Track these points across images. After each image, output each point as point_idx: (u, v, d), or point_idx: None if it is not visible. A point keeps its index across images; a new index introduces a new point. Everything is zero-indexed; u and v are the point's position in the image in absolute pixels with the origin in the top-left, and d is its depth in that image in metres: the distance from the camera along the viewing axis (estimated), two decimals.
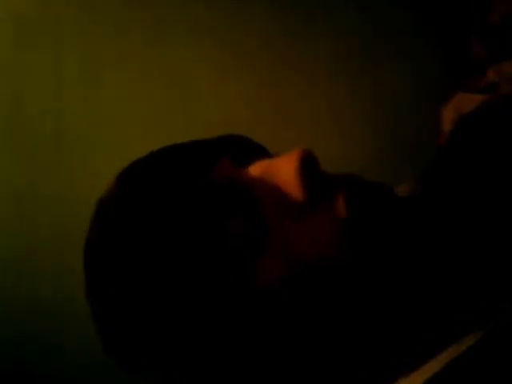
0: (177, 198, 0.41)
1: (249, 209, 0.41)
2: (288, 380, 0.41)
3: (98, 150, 0.97)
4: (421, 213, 0.50)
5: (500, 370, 0.36)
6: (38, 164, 0.95)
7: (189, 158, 0.43)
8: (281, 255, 0.39)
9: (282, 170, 0.42)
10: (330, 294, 0.40)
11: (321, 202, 0.41)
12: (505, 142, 0.52)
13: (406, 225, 0.43)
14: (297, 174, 0.41)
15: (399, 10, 1.10)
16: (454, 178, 0.53)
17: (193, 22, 1.03)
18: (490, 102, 0.65)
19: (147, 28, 1.01)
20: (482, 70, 0.80)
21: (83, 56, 0.98)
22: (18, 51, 0.96)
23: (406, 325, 0.43)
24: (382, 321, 0.42)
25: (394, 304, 0.42)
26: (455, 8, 1.04)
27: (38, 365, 0.93)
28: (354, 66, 1.10)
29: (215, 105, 1.02)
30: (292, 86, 1.07)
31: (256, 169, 0.43)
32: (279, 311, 0.39)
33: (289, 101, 1.07)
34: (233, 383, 0.41)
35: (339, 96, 1.09)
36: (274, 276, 0.39)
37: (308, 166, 0.41)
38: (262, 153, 0.47)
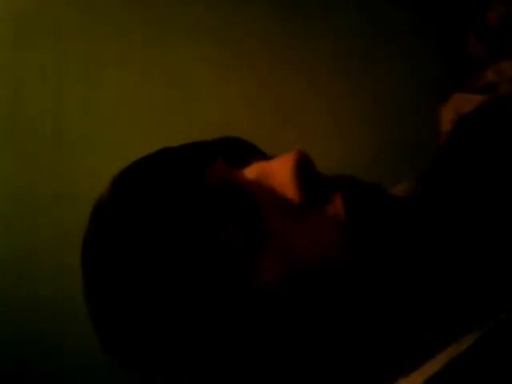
0: (172, 199, 0.41)
1: (248, 209, 0.41)
2: (288, 380, 0.41)
3: (98, 149, 0.97)
4: (420, 213, 0.50)
5: (500, 370, 0.36)
6: (38, 164, 0.95)
7: (184, 160, 0.43)
8: (280, 255, 0.40)
9: (277, 172, 0.42)
10: (330, 293, 0.40)
11: (318, 202, 0.41)
12: (504, 142, 0.52)
13: (404, 225, 0.43)
14: (292, 175, 0.41)
15: (399, 9, 1.10)
16: (453, 178, 0.53)
17: (193, 22, 1.03)
18: (489, 102, 0.65)
19: (147, 28, 1.01)
20: (481, 70, 0.80)
21: (83, 56, 0.98)
22: (17, 51, 0.96)
23: (405, 325, 0.43)
24: (382, 321, 0.42)
25: (394, 304, 0.42)
26: (455, 8, 1.04)
27: (37, 365, 0.93)
28: (353, 65, 1.10)
29: (215, 105, 1.02)
30: (292, 86, 1.07)
31: (252, 171, 0.43)
32: (279, 311, 0.39)
33: (289, 101, 1.07)
34: (233, 383, 0.41)
35: (339, 96, 1.09)
36: (274, 276, 0.39)
37: (304, 167, 0.41)
38: (257, 154, 0.47)
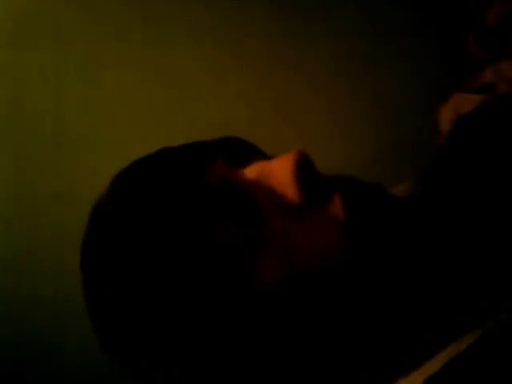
0: (172, 199, 0.41)
1: (248, 209, 0.41)
2: (288, 380, 0.41)
3: (98, 150, 0.97)
4: (420, 213, 0.50)
5: (499, 370, 0.36)
6: (38, 164, 0.95)
7: (184, 160, 0.43)
8: (280, 255, 0.40)
9: (277, 172, 0.42)
10: (330, 293, 0.40)
11: (318, 203, 0.41)
12: (503, 142, 0.52)
13: (404, 225, 0.43)
14: (292, 175, 0.41)
15: (399, 9, 1.10)
16: (453, 179, 0.53)
17: (193, 22, 1.03)
18: (488, 103, 0.65)
19: (147, 28, 1.01)
20: (481, 71, 0.80)
21: (83, 56, 0.98)
22: (17, 51, 0.96)
23: (405, 325, 0.43)
24: (382, 320, 0.42)
25: (394, 304, 0.42)
26: (455, 8, 1.04)
27: (38, 365, 0.93)
28: (353, 65, 1.10)
29: (215, 105, 1.02)
30: (292, 86, 1.07)
31: (252, 170, 0.43)
32: (279, 311, 0.39)
33: (289, 101, 1.07)
34: (233, 383, 0.41)
35: (339, 96, 1.09)
36: (274, 276, 0.39)
37: (303, 167, 0.41)
38: (257, 154, 0.47)
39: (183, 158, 0.44)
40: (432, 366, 0.38)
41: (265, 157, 0.47)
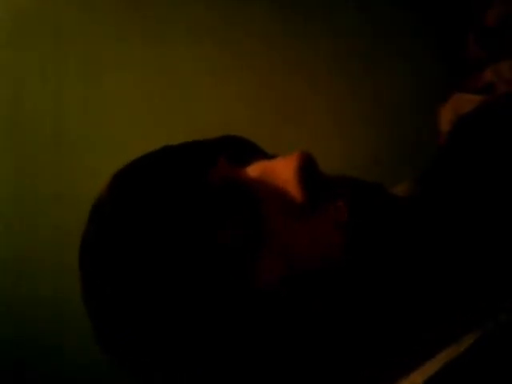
0: (172, 198, 0.41)
1: (248, 208, 0.41)
2: (288, 380, 0.41)
3: (98, 150, 0.97)
4: (420, 213, 0.50)
5: (499, 370, 0.36)
6: (38, 164, 0.95)
7: (185, 159, 0.43)
8: (281, 255, 0.40)
9: (281, 171, 0.42)
10: (330, 293, 0.40)
11: (320, 203, 0.41)
12: (503, 142, 0.52)
13: (404, 225, 0.43)
14: (296, 174, 0.41)
15: (399, 9, 1.10)
16: (453, 179, 0.53)
17: (193, 22, 1.03)
18: (487, 103, 0.65)
19: (147, 28, 1.01)
20: (480, 71, 0.80)
21: (83, 56, 0.98)
22: (17, 51, 0.96)
23: (405, 325, 0.43)
24: (382, 321, 0.42)
25: (394, 304, 0.42)
26: (455, 8, 1.04)
27: (38, 365, 0.93)
28: (353, 65, 1.10)
29: (215, 105, 1.02)
30: (292, 86, 1.07)
31: (254, 169, 0.43)
32: (279, 311, 0.39)
33: (289, 101, 1.07)
34: (233, 383, 0.41)
35: (339, 96, 1.09)
36: (274, 276, 0.39)
37: (307, 167, 0.41)
38: (258, 153, 0.47)
39: (184, 156, 0.44)
40: (432, 367, 0.38)
41: (266, 156, 0.47)
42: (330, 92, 1.09)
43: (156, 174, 0.42)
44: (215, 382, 0.41)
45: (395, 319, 0.42)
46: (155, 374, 0.42)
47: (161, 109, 1.01)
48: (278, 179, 0.42)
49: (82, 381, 0.92)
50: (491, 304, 0.42)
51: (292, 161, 0.42)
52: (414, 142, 1.05)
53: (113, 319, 0.42)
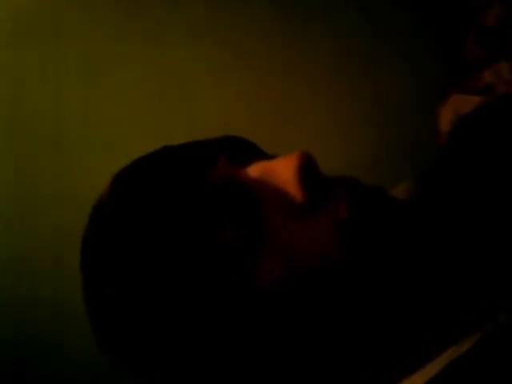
0: (172, 198, 0.41)
1: (248, 208, 0.41)
2: (288, 380, 0.41)
3: (98, 149, 0.97)
4: (420, 214, 0.50)
5: (500, 372, 0.36)
6: (38, 164, 0.95)
7: (185, 159, 0.43)
8: (281, 255, 0.40)
9: (281, 171, 0.42)
10: (330, 294, 0.40)
11: (320, 203, 0.41)
12: (503, 143, 0.52)
13: (404, 226, 0.43)
14: (296, 174, 0.41)
15: (399, 9, 1.10)
16: (452, 180, 0.53)
17: (193, 22, 1.03)
18: (486, 104, 0.65)
19: (147, 28, 1.01)
20: (479, 71, 0.80)
21: (83, 56, 0.98)
22: (17, 51, 0.96)
23: (405, 325, 0.43)
24: (382, 321, 0.42)
25: (394, 304, 0.42)
26: (455, 8, 1.04)
27: (38, 365, 0.93)
28: (353, 65, 1.10)
29: (215, 105, 1.02)
30: (292, 86, 1.07)
31: (254, 169, 0.43)
32: (279, 311, 0.39)
33: (289, 101, 1.07)
34: (233, 383, 0.41)
35: (339, 96, 1.09)
36: (274, 276, 0.39)
37: (307, 167, 0.41)
38: (258, 154, 0.47)
39: (184, 156, 0.44)
40: (433, 368, 0.38)
41: (266, 156, 0.47)
42: (329, 92, 1.09)
43: (156, 174, 0.42)
44: (215, 382, 0.41)
45: (395, 319, 0.42)
46: (155, 374, 0.42)
47: (161, 109, 1.01)
48: (278, 179, 0.42)
49: (82, 381, 0.92)
50: (491, 304, 0.42)
51: (292, 161, 0.42)
52: (413, 142, 1.05)
53: (113, 319, 0.42)
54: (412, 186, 0.57)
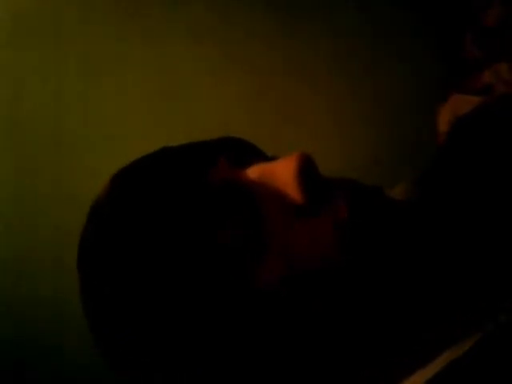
0: (171, 199, 0.41)
1: (248, 209, 0.41)
2: (288, 380, 0.41)
3: (98, 150, 0.97)
4: (419, 215, 0.50)
5: (499, 372, 0.36)
6: (38, 164, 0.95)
7: (185, 160, 0.43)
8: (281, 255, 0.40)
9: (281, 172, 0.42)
10: (330, 294, 0.40)
11: (320, 204, 0.41)
12: (502, 143, 0.52)
13: (403, 227, 0.43)
14: (296, 176, 0.41)
15: (399, 9, 1.10)
16: (450, 180, 0.53)
17: (193, 22, 1.03)
18: (485, 104, 0.65)
19: (147, 28, 1.01)
20: (479, 71, 0.80)
21: (83, 56, 0.98)
22: (17, 51, 0.96)
23: (405, 325, 0.43)
24: (382, 321, 0.42)
25: (394, 304, 0.42)
26: (455, 8, 1.04)
27: (38, 365, 0.93)
28: (353, 65, 1.10)
29: (215, 105, 1.02)
30: (292, 86, 1.07)
31: (254, 171, 0.43)
32: (279, 311, 0.39)
33: (289, 101, 1.07)
34: (233, 383, 0.41)
35: (339, 96, 1.09)
36: (274, 276, 0.39)
37: (307, 168, 0.41)
38: (258, 155, 0.47)
39: (183, 157, 0.44)
40: (432, 369, 0.38)
41: (265, 158, 0.47)
42: (329, 92, 1.09)
43: (155, 174, 0.42)
44: (215, 382, 0.41)
45: (395, 319, 0.42)
46: (155, 374, 0.42)
47: (161, 109, 1.01)
48: (278, 181, 0.42)
49: (82, 381, 0.92)
50: (491, 304, 0.42)
51: (291, 162, 0.42)
52: (413, 142, 1.05)
53: (111, 320, 0.42)
54: (410, 186, 0.57)
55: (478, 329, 0.39)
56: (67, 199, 0.94)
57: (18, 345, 0.92)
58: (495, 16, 0.86)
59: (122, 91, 0.99)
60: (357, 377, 0.41)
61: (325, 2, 1.09)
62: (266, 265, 0.39)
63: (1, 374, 0.92)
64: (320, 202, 0.41)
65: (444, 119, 0.73)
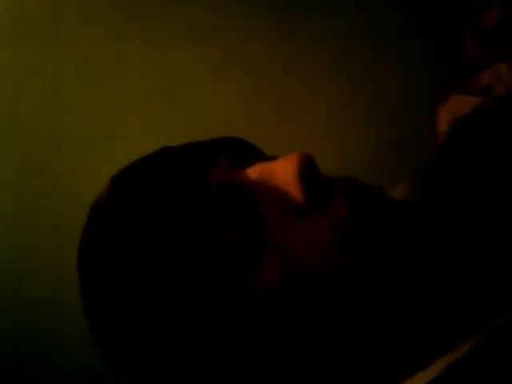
0: (171, 199, 0.41)
1: (248, 209, 0.41)
2: (288, 381, 0.41)
3: (98, 149, 0.97)
4: (419, 215, 0.50)
5: (500, 372, 0.36)
6: (38, 164, 0.95)
7: (184, 160, 0.43)
8: (280, 256, 0.40)
9: (281, 171, 0.42)
10: (330, 294, 0.40)
11: (320, 203, 0.41)
12: (500, 144, 0.52)
13: (403, 227, 0.43)
14: (296, 175, 0.41)
15: (399, 9, 1.10)
16: (450, 181, 0.53)
17: (193, 22, 1.03)
18: (484, 105, 0.65)
19: (147, 28, 1.01)
20: (478, 72, 0.80)
21: (83, 56, 0.98)
22: (17, 51, 0.96)
23: (405, 325, 0.43)
24: (382, 321, 0.42)
25: (394, 304, 0.42)
26: (455, 8, 1.04)
27: (37, 365, 0.93)
28: (353, 65, 1.10)
29: (215, 105, 1.02)
30: (292, 86, 1.07)
31: (254, 171, 0.43)
32: (279, 312, 0.39)
33: (289, 101, 1.07)
34: (233, 383, 0.41)
35: (339, 96, 1.09)
36: (274, 277, 0.39)
37: (307, 168, 0.41)
38: (258, 155, 0.47)
39: (183, 157, 0.44)
40: (433, 369, 0.38)
41: (265, 158, 0.47)
42: (329, 92, 1.09)
43: (155, 175, 0.42)
44: (215, 382, 0.41)
45: (395, 320, 0.42)
46: (155, 374, 0.42)
47: (161, 109, 1.01)
48: (278, 180, 0.42)
49: (82, 381, 0.92)
50: (491, 304, 0.42)
51: (291, 162, 0.42)
52: (414, 142, 1.05)
53: (111, 320, 0.42)
54: (410, 186, 0.57)
55: (478, 329, 0.39)
56: (67, 199, 0.94)
57: (17, 345, 0.92)
58: (495, 16, 0.86)
59: (121, 91, 0.99)
60: (357, 377, 0.41)
61: (325, 2, 1.09)
62: (266, 265, 0.39)
63: (1, 374, 0.92)
64: (320, 201, 0.41)
65: (443, 120, 0.73)
